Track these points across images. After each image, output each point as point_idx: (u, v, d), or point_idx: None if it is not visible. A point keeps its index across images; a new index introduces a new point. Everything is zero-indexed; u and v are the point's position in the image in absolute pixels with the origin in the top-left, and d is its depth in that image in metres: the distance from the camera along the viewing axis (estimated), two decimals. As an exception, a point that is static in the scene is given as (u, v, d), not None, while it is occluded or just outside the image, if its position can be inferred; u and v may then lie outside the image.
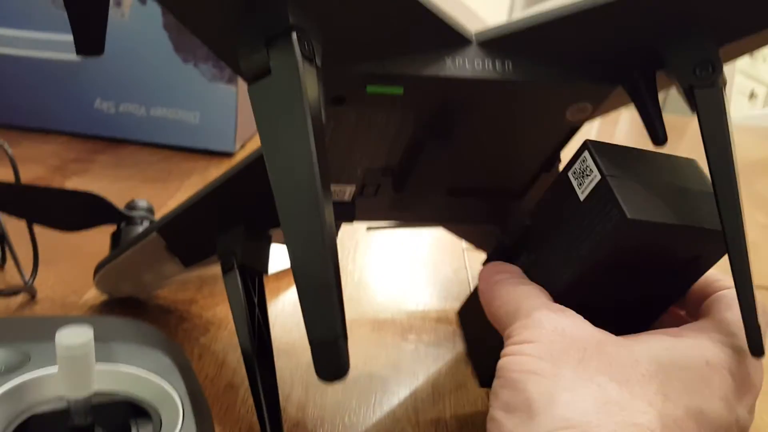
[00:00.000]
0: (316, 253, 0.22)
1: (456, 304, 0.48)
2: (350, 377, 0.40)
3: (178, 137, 0.71)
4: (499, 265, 0.32)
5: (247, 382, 0.34)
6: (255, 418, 0.35)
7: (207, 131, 0.70)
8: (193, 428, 0.25)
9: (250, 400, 0.37)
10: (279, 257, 0.45)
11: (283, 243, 0.45)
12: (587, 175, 0.29)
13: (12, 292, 0.43)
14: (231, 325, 0.43)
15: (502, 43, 0.29)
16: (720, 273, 0.31)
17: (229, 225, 0.36)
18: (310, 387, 0.39)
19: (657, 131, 0.29)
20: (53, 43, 0.69)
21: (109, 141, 0.71)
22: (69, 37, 0.27)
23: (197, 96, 0.69)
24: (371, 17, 0.27)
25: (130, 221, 0.45)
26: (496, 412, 0.26)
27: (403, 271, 0.52)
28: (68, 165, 0.66)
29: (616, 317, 0.29)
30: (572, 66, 0.30)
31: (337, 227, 0.37)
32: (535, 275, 0.31)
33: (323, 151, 0.23)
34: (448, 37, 0.28)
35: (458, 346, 0.44)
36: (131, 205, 0.46)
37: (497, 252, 0.35)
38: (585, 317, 0.28)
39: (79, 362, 0.24)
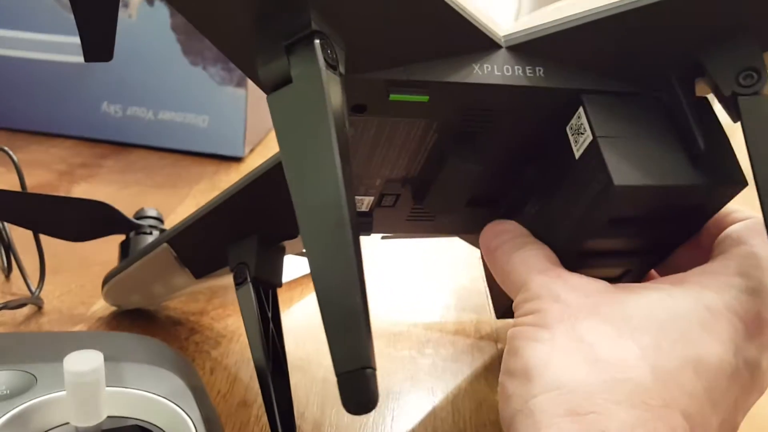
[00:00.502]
0: (343, 275, 0.20)
1: (473, 316, 0.47)
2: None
3: (186, 142, 0.70)
4: (497, 225, 0.32)
5: (260, 399, 0.32)
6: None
7: (216, 135, 0.69)
8: (209, 457, 0.24)
9: (264, 419, 0.35)
10: (291, 266, 0.44)
11: (296, 254, 0.44)
12: (581, 133, 0.28)
13: (19, 304, 0.41)
14: (243, 337, 0.42)
15: (533, 47, 0.28)
16: (736, 205, 0.30)
17: (241, 236, 0.35)
18: (325, 405, 0.37)
19: (696, 142, 0.28)
20: (58, 45, 0.68)
21: (116, 145, 0.70)
22: (75, 39, 0.26)
23: (206, 100, 0.68)
24: (396, 20, 0.25)
25: (140, 230, 0.43)
26: (502, 377, 0.27)
27: (418, 282, 0.51)
28: (75, 170, 0.65)
29: (620, 263, 0.29)
30: (606, 73, 0.29)
31: None
32: (537, 227, 0.31)
33: (348, 164, 0.22)
34: (476, 41, 0.27)
35: (477, 361, 0.42)
36: (140, 214, 0.45)
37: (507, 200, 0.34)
38: (586, 268, 0.29)
39: (89, 389, 0.22)
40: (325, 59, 0.22)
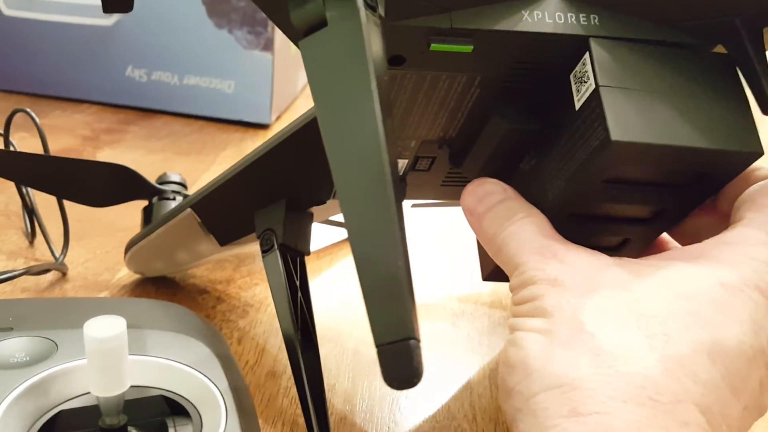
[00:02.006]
0: (384, 237, 0.19)
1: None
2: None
3: (211, 108, 0.68)
4: (478, 186, 0.29)
5: (289, 370, 0.31)
6: (299, 411, 0.32)
7: (242, 101, 0.67)
8: (238, 430, 0.23)
9: (293, 390, 0.34)
10: (319, 235, 0.42)
11: (324, 222, 0.42)
12: (584, 81, 0.25)
13: (43, 270, 0.40)
14: (271, 307, 0.41)
15: None
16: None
17: (268, 201, 0.33)
18: (357, 377, 0.36)
19: (765, 96, 0.25)
20: (82, 7, 0.66)
21: (140, 111, 0.69)
22: (98, 1, 0.24)
23: (232, 64, 0.66)
24: None
25: (162, 196, 0.42)
26: (502, 368, 0.25)
27: (451, 252, 0.49)
28: (100, 136, 0.63)
29: (621, 229, 0.27)
30: (665, 21, 0.26)
31: None
32: (531, 185, 0.28)
33: (389, 116, 0.20)
34: None
35: (514, 334, 0.40)
36: (163, 179, 0.44)
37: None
38: (581, 234, 0.26)
39: (111, 357, 0.21)
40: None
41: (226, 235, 0.37)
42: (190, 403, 0.24)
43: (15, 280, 0.39)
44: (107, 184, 0.39)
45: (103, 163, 0.40)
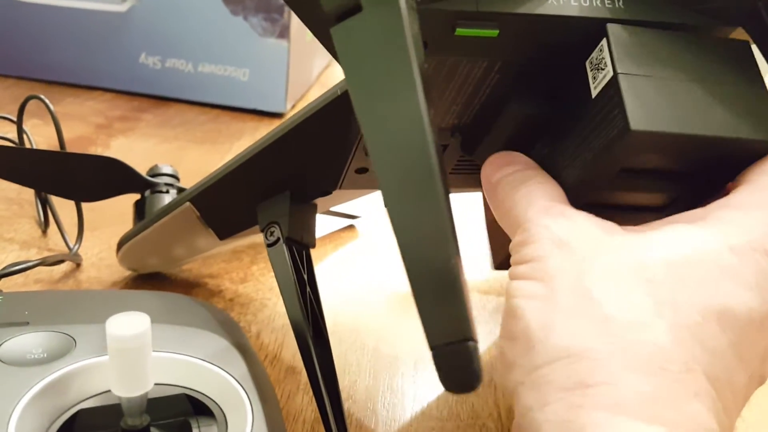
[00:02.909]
0: (434, 231, 0.18)
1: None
2: (423, 360, 0.37)
3: (226, 96, 0.67)
4: (501, 158, 0.28)
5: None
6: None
7: (257, 90, 0.66)
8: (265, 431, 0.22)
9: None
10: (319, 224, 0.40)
11: (323, 213, 0.41)
12: (601, 69, 0.25)
13: (57, 261, 0.39)
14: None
15: None
16: None
17: (272, 193, 0.32)
18: (379, 373, 0.35)
19: None
20: (96, -7, 0.65)
21: (154, 99, 0.68)
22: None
23: (247, 52, 0.65)
24: None
25: (155, 189, 0.40)
26: (501, 341, 0.23)
27: (476, 232, 0.48)
28: (113, 123, 0.63)
29: (634, 218, 0.26)
30: (690, 2, 0.26)
31: None
32: (546, 169, 0.27)
33: (431, 103, 0.19)
34: None
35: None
36: (154, 171, 0.41)
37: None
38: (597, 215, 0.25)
39: (134, 356, 0.20)
40: None
41: (226, 229, 0.35)
42: (215, 402, 0.23)
43: (28, 272, 0.38)
44: (97, 178, 0.37)
45: (92, 156, 0.38)
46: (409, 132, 0.18)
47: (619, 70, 0.24)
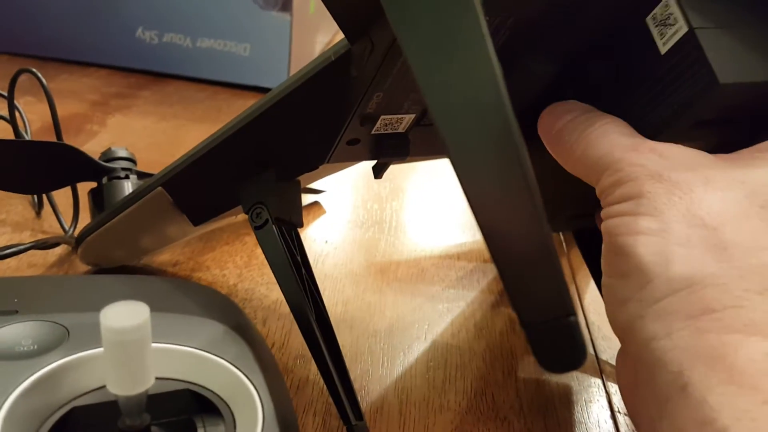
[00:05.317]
0: (523, 205, 0.16)
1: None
2: (439, 347, 0.35)
3: (226, 72, 0.64)
4: (558, 107, 0.27)
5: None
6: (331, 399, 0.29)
7: (258, 65, 0.64)
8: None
9: (325, 377, 0.31)
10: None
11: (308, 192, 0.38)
12: (670, 25, 0.24)
13: (52, 243, 0.37)
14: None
15: None
16: None
17: (253, 173, 0.29)
18: (393, 361, 0.33)
19: None
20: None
21: (152, 75, 0.65)
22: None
23: (247, 26, 0.63)
24: None
25: (112, 175, 0.37)
26: (608, 280, 0.23)
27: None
28: (109, 101, 0.60)
29: None
30: None
31: (385, 168, 0.31)
32: None
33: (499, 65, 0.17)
34: None
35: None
36: (108, 155, 0.38)
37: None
38: None
39: (132, 350, 0.18)
40: None
41: (202, 214, 0.32)
42: (221, 398, 0.21)
43: (21, 255, 0.36)
44: (46, 167, 0.33)
45: (37, 143, 0.34)
46: (485, 96, 0.16)
47: (694, 25, 0.23)
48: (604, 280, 0.24)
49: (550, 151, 0.27)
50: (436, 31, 0.17)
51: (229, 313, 0.25)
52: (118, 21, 0.64)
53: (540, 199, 0.17)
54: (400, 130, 0.29)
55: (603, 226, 0.24)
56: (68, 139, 0.51)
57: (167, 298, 0.25)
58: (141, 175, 0.38)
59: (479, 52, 0.16)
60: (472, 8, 0.16)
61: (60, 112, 0.42)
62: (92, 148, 0.49)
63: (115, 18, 0.64)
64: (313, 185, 0.46)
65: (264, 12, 0.62)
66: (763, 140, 0.25)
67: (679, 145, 0.24)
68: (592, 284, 0.38)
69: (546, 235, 0.16)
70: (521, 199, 0.16)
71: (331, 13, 0.24)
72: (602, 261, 0.24)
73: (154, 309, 0.19)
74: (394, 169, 0.33)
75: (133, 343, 0.18)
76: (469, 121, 0.16)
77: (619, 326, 0.23)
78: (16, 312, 0.23)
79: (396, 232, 0.44)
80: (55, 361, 0.21)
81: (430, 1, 0.17)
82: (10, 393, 0.20)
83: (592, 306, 0.39)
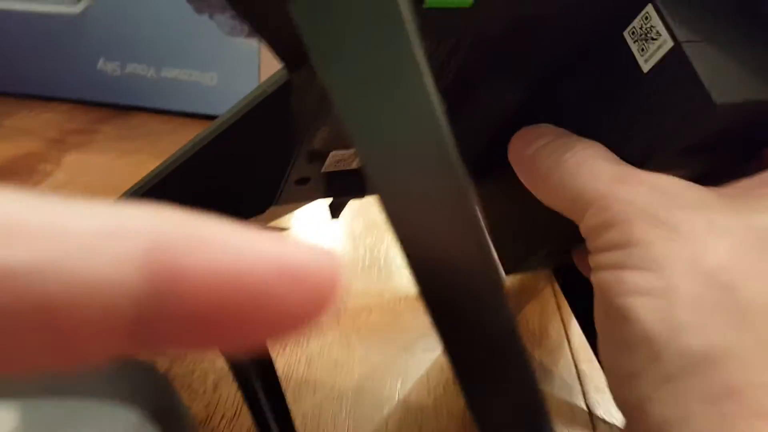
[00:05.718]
0: (472, 246, 0.12)
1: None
2: (412, 410, 0.31)
3: (192, 102, 0.61)
4: (529, 131, 0.24)
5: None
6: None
7: (226, 95, 0.61)
8: None
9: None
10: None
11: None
12: (652, 39, 0.22)
13: None
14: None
15: None
16: None
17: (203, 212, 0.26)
18: (359, 428, 0.29)
19: None
20: (49, -5, 0.60)
21: (115, 108, 0.62)
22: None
23: (214, 54, 0.60)
24: None
25: None
26: (610, 349, 0.20)
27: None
28: (67, 137, 0.57)
29: None
30: None
31: (342, 207, 0.28)
32: None
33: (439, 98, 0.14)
34: None
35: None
36: None
37: None
38: None
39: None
40: None
41: None
42: None
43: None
44: None
45: None
46: (416, 120, 0.13)
47: (680, 39, 0.21)
48: (602, 348, 0.21)
49: (522, 180, 0.24)
50: (362, 65, 0.13)
51: (148, 394, 0.22)
52: (79, 53, 0.61)
53: (496, 266, 0.13)
54: (354, 166, 0.26)
55: (594, 280, 0.21)
56: (20, 181, 0.48)
57: (64, 378, 0.22)
58: None
59: (411, 86, 0.13)
60: (403, 36, 0.13)
61: (13, 151, 0.38)
62: (45, 189, 0.46)
63: (75, 50, 0.61)
64: (275, 223, 0.43)
65: (231, 39, 0.59)
66: (755, 165, 0.23)
67: (672, 177, 0.21)
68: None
69: (508, 318, 0.13)
70: (474, 245, 0.12)
71: (263, 38, 0.21)
72: (597, 323, 0.21)
73: (34, 395, 0.15)
74: (367, 203, 0.30)
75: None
76: (401, 170, 0.13)
77: (625, 405, 0.20)
78: None
79: (370, 273, 0.41)
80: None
81: (354, 12, 0.13)
82: None
83: (582, 351, 0.35)
